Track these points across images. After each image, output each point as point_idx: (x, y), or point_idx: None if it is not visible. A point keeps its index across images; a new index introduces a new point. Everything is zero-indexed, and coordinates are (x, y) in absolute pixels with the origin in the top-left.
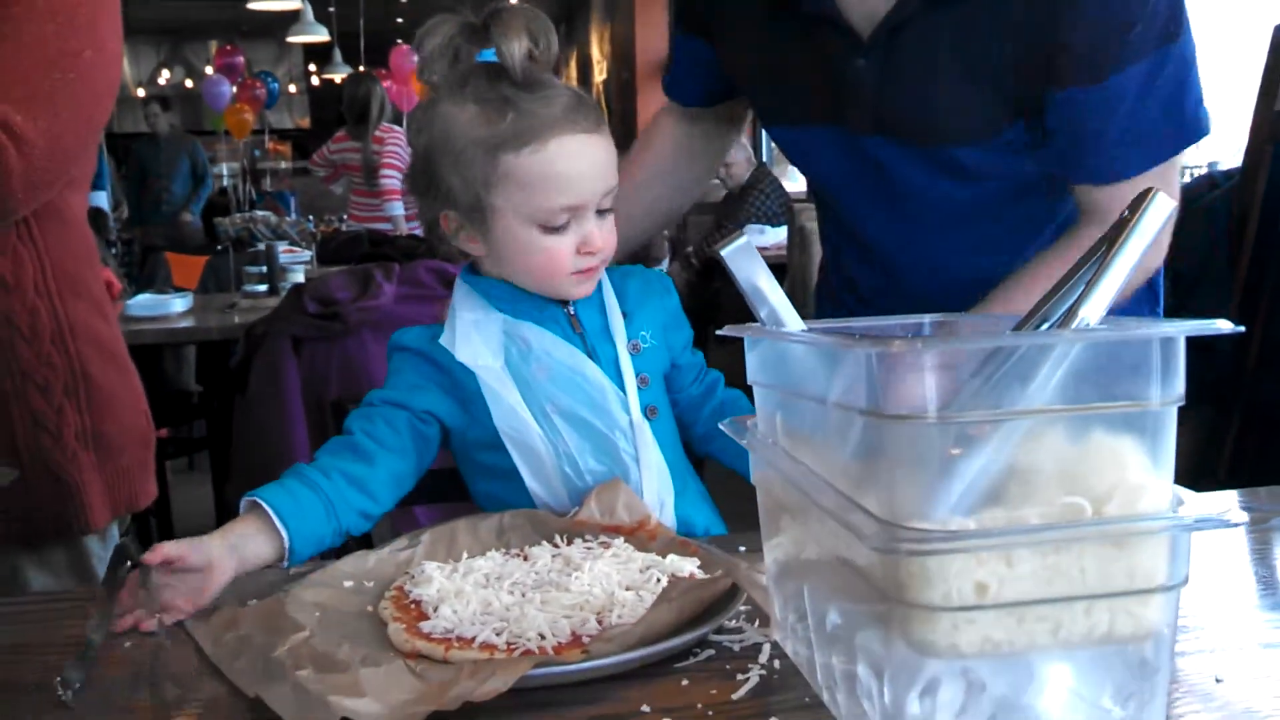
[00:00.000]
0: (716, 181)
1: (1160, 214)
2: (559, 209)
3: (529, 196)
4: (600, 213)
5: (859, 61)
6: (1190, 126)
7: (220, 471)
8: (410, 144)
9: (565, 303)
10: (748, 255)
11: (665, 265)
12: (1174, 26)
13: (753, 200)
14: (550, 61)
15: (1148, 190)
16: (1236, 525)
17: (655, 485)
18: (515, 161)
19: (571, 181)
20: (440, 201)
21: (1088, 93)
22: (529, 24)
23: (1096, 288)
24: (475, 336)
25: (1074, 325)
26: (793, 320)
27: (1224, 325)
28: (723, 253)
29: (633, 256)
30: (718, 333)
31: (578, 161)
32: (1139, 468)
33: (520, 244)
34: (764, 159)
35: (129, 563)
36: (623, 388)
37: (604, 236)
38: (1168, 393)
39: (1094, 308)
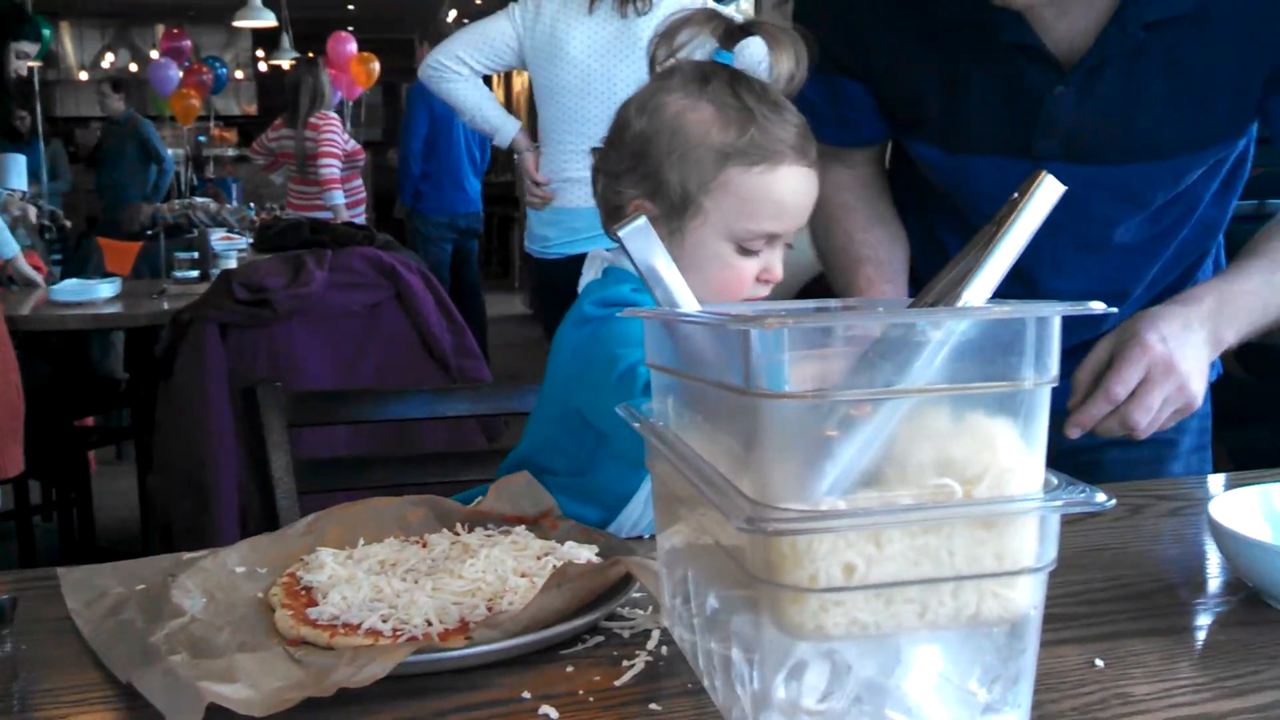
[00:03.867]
0: None
1: (1049, 196)
2: (763, 233)
3: (741, 214)
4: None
5: (1057, 89)
6: None
7: (146, 461)
8: (628, 122)
9: None
10: (645, 236)
11: None
12: None
13: None
14: (796, 90)
15: (1037, 172)
16: (1105, 507)
17: None
18: (743, 175)
19: (785, 211)
20: (642, 189)
21: None
22: (797, 48)
23: (981, 270)
24: None
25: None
26: (688, 301)
27: (1097, 306)
28: (620, 233)
29: None
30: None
31: (797, 194)
32: (1010, 450)
33: (710, 256)
34: None
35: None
36: None
37: (781, 270)
38: (1041, 374)
39: (979, 290)
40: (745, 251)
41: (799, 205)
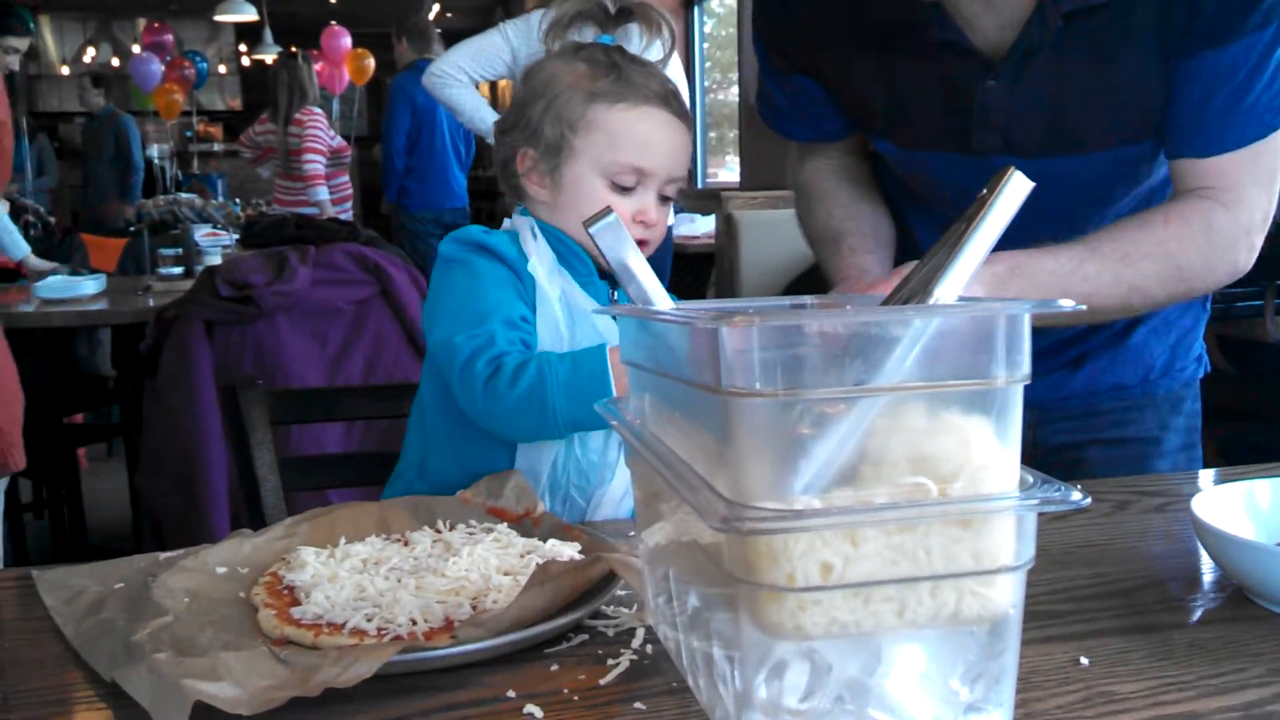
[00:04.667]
0: None
1: (1018, 193)
2: (630, 168)
3: (608, 147)
4: (663, 199)
5: (989, 83)
6: None
7: (136, 458)
8: (517, 91)
9: (614, 286)
10: (615, 232)
11: None
12: None
13: None
14: (665, 64)
15: (1006, 169)
16: (1080, 505)
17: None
18: (606, 111)
19: (649, 147)
20: (524, 138)
21: (1208, 59)
22: (667, 28)
23: (951, 268)
24: (544, 263)
25: (928, 305)
26: (660, 298)
27: (1066, 304)
28: (590, 230)
29: None
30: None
31: (661, 133)
32: (985, 448)
33: (584, 192)
34: None
35: None
36: None
37: (659, 217)
38: (1013, 371)
39: (949, 288)
40: (617, 188)
41: (662, 145)
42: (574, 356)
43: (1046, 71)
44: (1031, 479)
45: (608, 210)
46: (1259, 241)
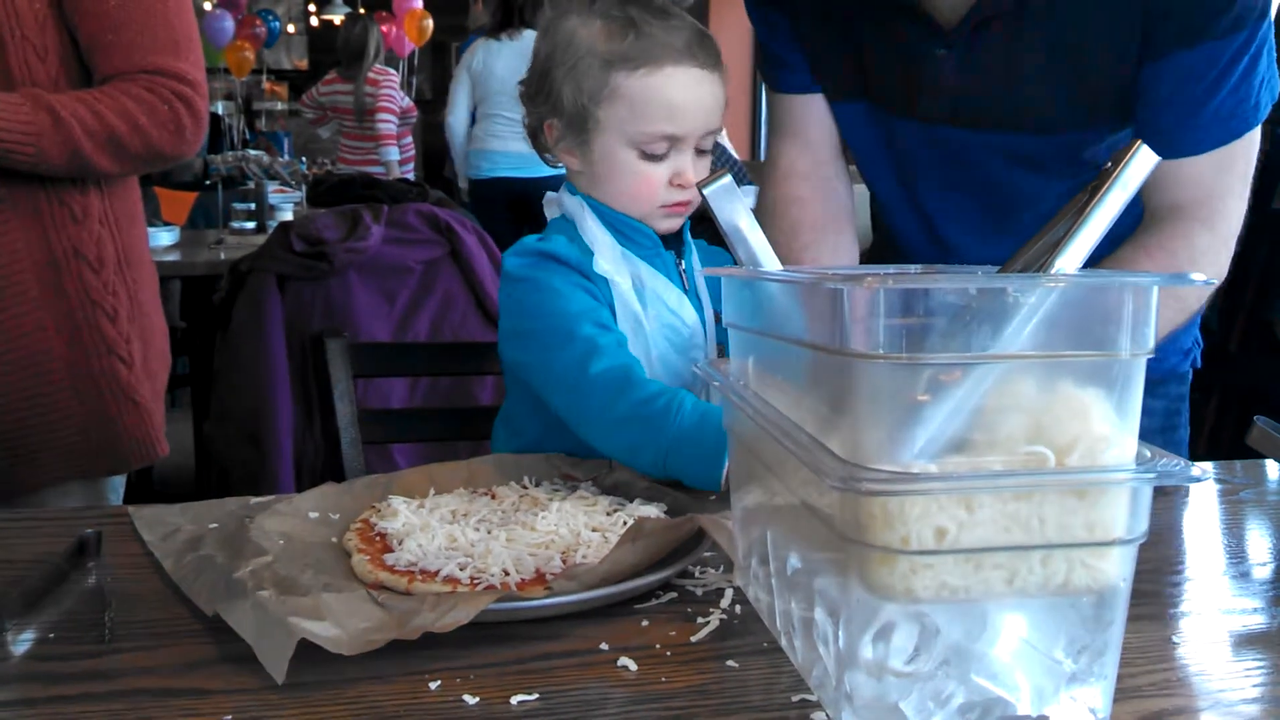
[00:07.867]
0: None
1: (1144, 166)
2: (660, 136)
3: (633, 118)
4: (700, 152)
5: (939, 51)
6: (1254, 110)
7: (201, 409)
8: (537, 49)
9: (678, 255)
10: (728, 195)
11: None
12: (1266, 4)
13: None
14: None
15: (1133, 142)
16: (1199, 480)
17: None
18: (626, 80)
19: (676, 111)
20: (548, 108)
21: (1177, 59)
22: None
23: (1074, 238)
24: (608, 254)
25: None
26: (770, 261)
27: (1198, 277)
28: (705, 191)
29: None
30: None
31: (686, 93)
32: (1104, 420)
33: (616, 164)
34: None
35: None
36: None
37: (699, 175)
38: (1138, 344)
39: (1071, 258)
40: (649, 156)
41: (689, 105)
42: (704, 410)
43: (999, 48)
44: (1149, 453)
45: (723, 172)
46: (1234, 244)
